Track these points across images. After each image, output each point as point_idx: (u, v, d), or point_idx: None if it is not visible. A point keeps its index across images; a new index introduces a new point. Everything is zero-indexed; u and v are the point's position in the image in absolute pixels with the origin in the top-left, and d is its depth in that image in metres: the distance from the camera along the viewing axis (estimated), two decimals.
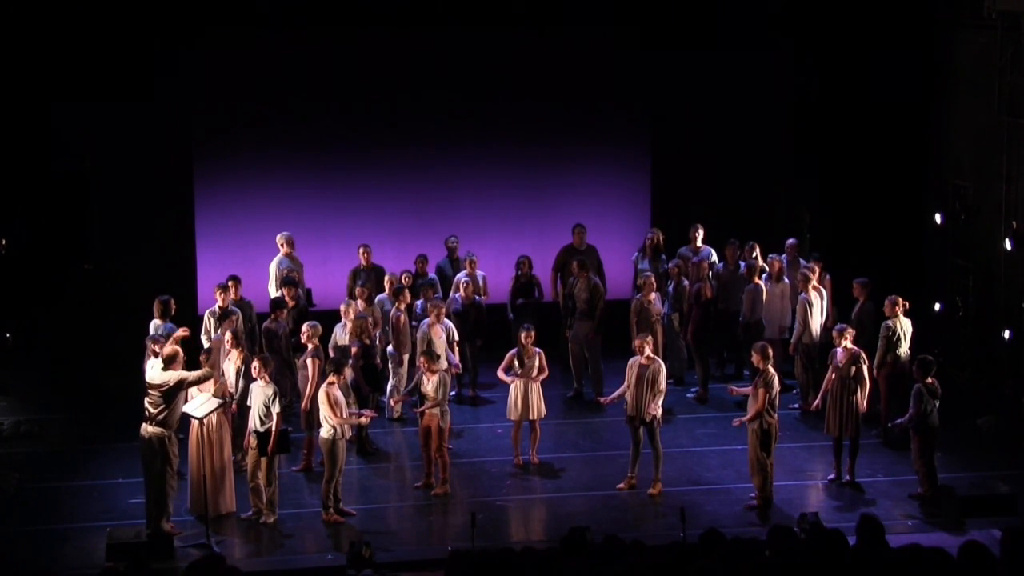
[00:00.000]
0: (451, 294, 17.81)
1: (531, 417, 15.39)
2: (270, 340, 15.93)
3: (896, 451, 15.57)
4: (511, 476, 15.32)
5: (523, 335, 15.50)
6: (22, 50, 18.39)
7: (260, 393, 13.87)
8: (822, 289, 17.18)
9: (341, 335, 16.09)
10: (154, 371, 13.57)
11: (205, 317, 16.15)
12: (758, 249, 18.07)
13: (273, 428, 13.76)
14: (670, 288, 17.99)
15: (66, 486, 15.04)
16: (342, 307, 16.35)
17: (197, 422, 13.78)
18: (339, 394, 14.04)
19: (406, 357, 16.78)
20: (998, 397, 17.37)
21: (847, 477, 14.94)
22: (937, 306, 19.07)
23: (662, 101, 20.19)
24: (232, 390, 14.48)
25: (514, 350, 15.49)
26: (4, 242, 18.28)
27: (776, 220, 20.08)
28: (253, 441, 13.87)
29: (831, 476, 15.09)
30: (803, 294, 17.01)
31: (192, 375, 13.70)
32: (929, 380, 14.30)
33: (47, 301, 18.89)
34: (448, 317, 16.73)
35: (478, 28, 19.53)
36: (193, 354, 14.67)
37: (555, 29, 19.75)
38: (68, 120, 18.67)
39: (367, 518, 14.20)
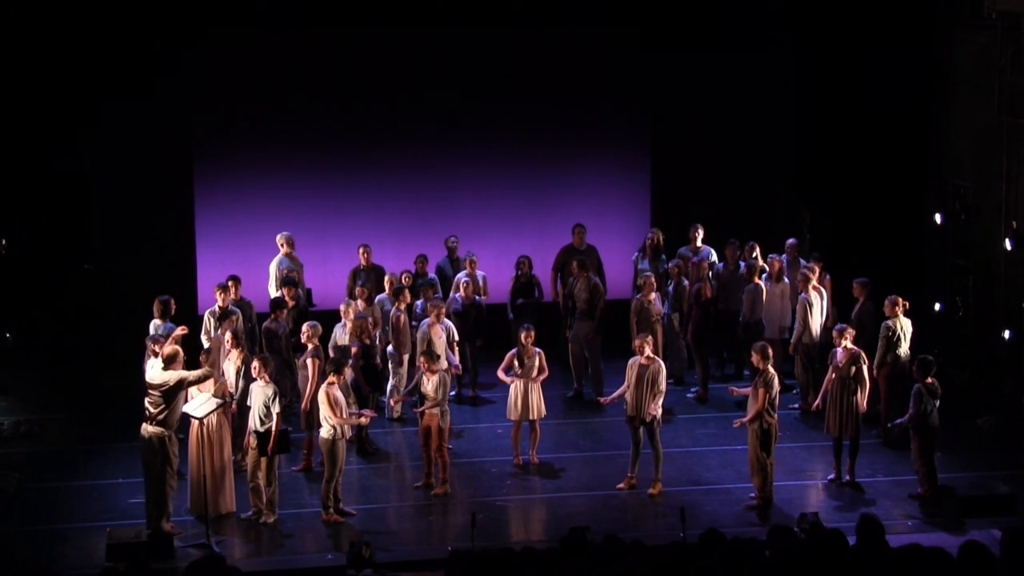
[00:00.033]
0: (451, 294, 17.81)
1: (531, 417, 15.39)
2: (270, 340, 15.93)
3: (896, 451, 15.57)
4: (511, 476, 15.32)
5: (523, 335, 15.50)
6: (22, 50, 18.38)
7: (260, 393, 13.87)
8: (822, 289, 17.18)
9: (341, 335, 16.09)
10: (154, 371, 13.57)
11: (205, 317, 16.15)
12: (758, 249, 18.07)
13: (273, 428, 13.76)
14: (670, 288, 17.99)
15: (66, 486, 15.04)
16: (342, 307, 16.35)
17: (197, 422, 13.78)
18: (339, 394, 14.04)
19: (406, 357, 16.78)
20: (998, 397, 17.37)
21: (847, 477, 14.94)
22: (937, 306, 19.08)
23: (662, 101, 20.19)
24: (232, 390, 14.48)
25: (514, 350, 15.49)
26: (4, 242, 18.28)
27: (776, 220, 20.07)
28: (253, 441, 13.87)
29: (831, 476, 15.09)
30: (803, 294, 17.01)
31: (192, 375, 13.70)
32: (929, 380, 14.30)
33: (47, 301, 18.89)
34: (448, 317, 16.73)
35: (478, 28, 19.53)
36: (193, 354, 14.67)
37: (555, 29, 19.74)
38: (68, 120, 18.67)
39: (367, 518, 14.20)
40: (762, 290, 17.52)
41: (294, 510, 14.32)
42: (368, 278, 17.57)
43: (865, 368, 14.92)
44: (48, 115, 18.60)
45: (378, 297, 17.11)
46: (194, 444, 13.87)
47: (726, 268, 18.18)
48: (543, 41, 19.83)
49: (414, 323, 16.79)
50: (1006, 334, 17.63)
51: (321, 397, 14.00)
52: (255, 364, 14.03)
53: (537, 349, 15.47)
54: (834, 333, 15.25)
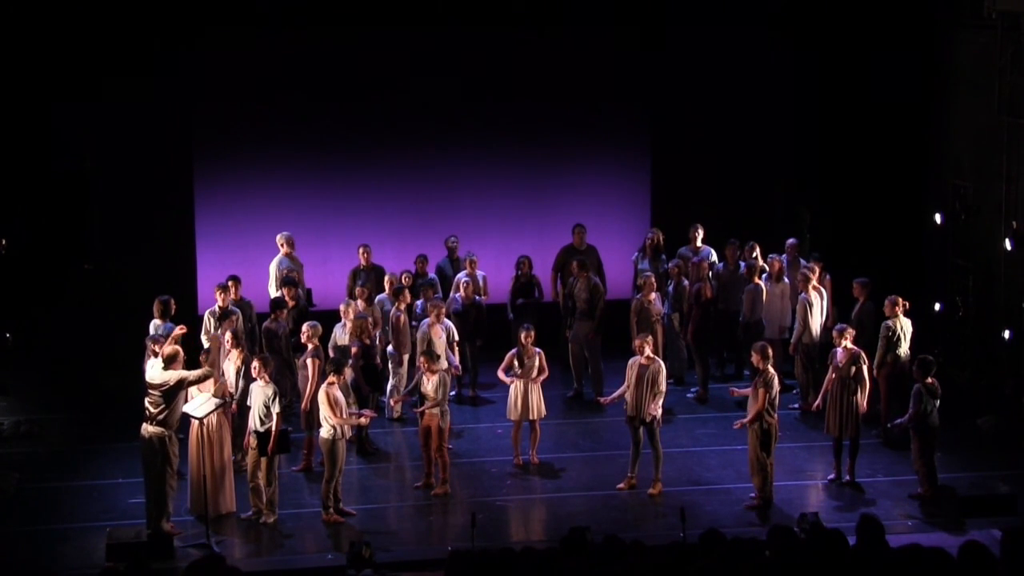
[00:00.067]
0: (451, 294, 17.81)
1: (531, 417, 15.39)
2: (270, 340, 15.93)
3: (896, 451, 15.57)
4: (511, 476, 15.32)
5: (523, 335, 15.49)
6: (22, 50, 18.38)
7: (260, 393, 13.87)
8: (822, 289, 17.18)
9: (341, 335, 16.09)
10: (154, 371, 13.57)
11: (205, 317, 16.14)
12: (758, 249, 18.06)
13: (273, 428, 13.76)
14: (670, 288, 17.99)
15: (66, 486, 15.04)
16: (342, 307, 16.35)
17: (197, 422, 13.78)
18: (339, 394, 14.04)
19: (406, 357, 16.78)
20: (998, 397, 17.37)
21: (847, 477, 14.94)
22: (937, 306, 19.07)
23: (662, 101, 20.19)
24: (232, 390, 14.47)
25: (514, 350, 15.49)
26: (4, 242, 18.27)
27: (776, 220, 20.07)
28: (253, 441, 13.87)
29: (831, 476, 15.09)
30: (803, 294, 17.01)
31: (192, 374, 13.70)
32: (929, 380, 14.30)
33: (47, 301, 18.88)
34: (448, 317, 16.73)
35: (478, 28, 19.52)
36: (193, 354, 14.67)
37: (555, 29, 19.74)
38: (68, 120, 18.68)
39: (367, 518, 14.20)
40: (762, 290, 17.52)
41: (294, 510, 14.31)
42: (368, 278, 17.57)
43: (865, 368, 14.92)
44: (48, 115, 18.59)
45: (378, 297, 17.11)
46: (194, 444, 13.87)
47: (726, 268, 18.18)
48: (543, 41, 19.82)
49: (414, 323, 16.79)
50: (1006, 334, 17.63)
51: (321, 397, 14.00)
52: (255, 364, 14.03)
53: (537, 349, 15.46)
54: (834, 333, 15.25)
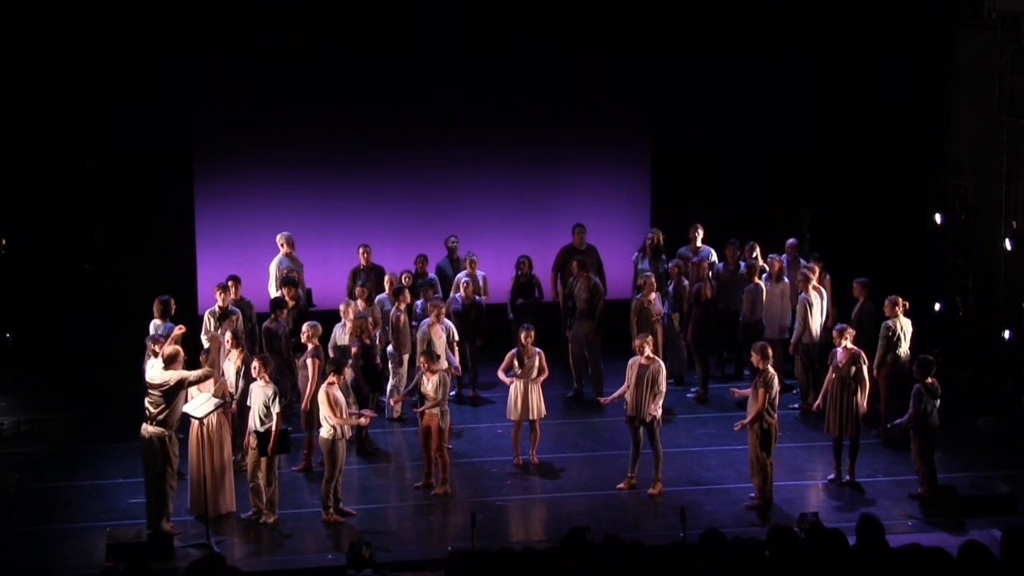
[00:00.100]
0: (451, 294, 17.81)
1: (531, 417, 15.39)
2: (270, 340, 15.93)
3: (896, 451, 15.57)
4: (511, 476, 15.32)
5: (523, 335, 15.49)
6: (22, 49, 18.38)
7: (260, 393, 13.87)
8: (822, 289, 17.18)
9: (341, 335, 16.08)
10: (154, 371, 13.56)
11: (205, 317, 16.13)
12: (758, 249, 18.06)
13: (273, 428, 13.76)
14: (670, 288, 17.99)
15: (66, 486, 15.04)
16: (342, 307, 16.35)
17: (197, 422, 13.77)
18: (339, 394, 14.03)
19: (406, 357, 16.78)
20: (998, 397, 17.37)
21: (847, 477, 14.94)
22: (937, 306, 19.07)
23: (662, 101, 20.19)
24: (232, 390, 14.47)
25: (514, 350, 15.49)
26: (4, 242, 18.28)
27: (776, 220, 20.06)
28: (253, 441, 13.87)
29: (831, 476, 15.09)
30: (803, 294, 17.01)
31: (192, 375, 13.70)
32: (929, 380, 14.29)
33: (47, 301, 18.89)
34: (448, 317, 16.73)
35: (478, 28, 19.52)
36: (193, 354, 14.67)
37: (555, 29, 19.74)
38: (68, 120, 18.67)
39: (367, 518, 14.20)
40: (762, 290, 17.52)
41: (294, 510, 14.31)
42: (368, 278, 17.56)
43: (865, 368, 14.92)
44: (48, 115, 18.60)
45: (378, 297, 17.11)
46: (194, 444, 13.87)
47: (726, 268, 18.18)
48: (543, 41, 19.82)
49: (414, 323, 16.79)
50: (1006, 334, 17.63)
51: (321, 397, 14.00)
52: (255, 364, 14.03)
53: (537, 349, 15.46)
54: (834, 333, 15.25)
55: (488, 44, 19.77)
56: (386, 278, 17.32)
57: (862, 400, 14.86)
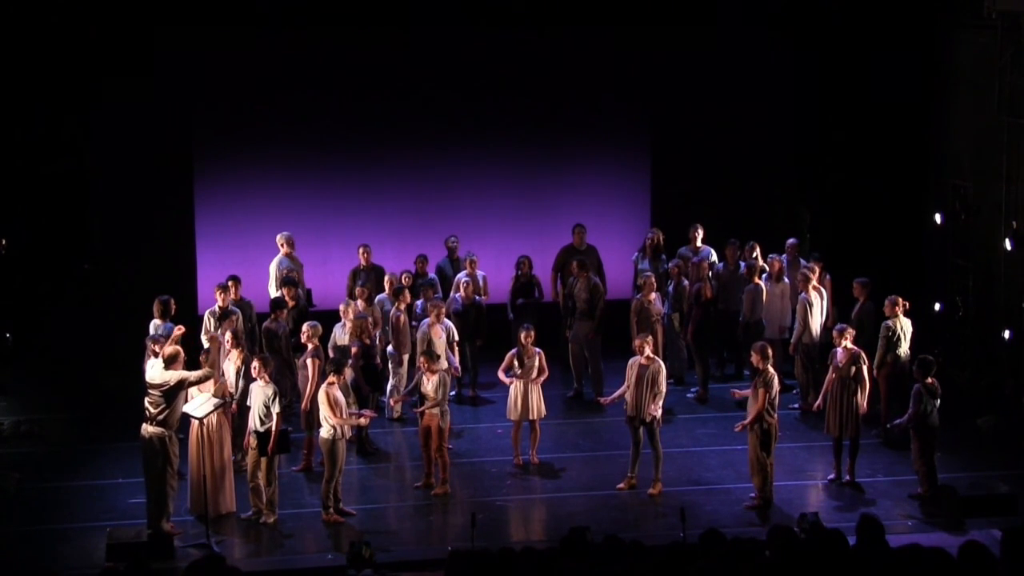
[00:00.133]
0: (451, 294, 17.81)
1: (531, 417, 15.39)
2: (270, 340, 15.93)
3: (896, 451, 15.57)
4: (511, 476, 15.32)
5: (523, 335, 15.49)
6: (22, 49, 18.38)
7: (260, 393, 13.87)
8: (822, 289, 17.18)
9: (341, 335, 16.08)
10: (154, 371, 13.57)
11: (205, 317, 16.13)
12: (758, 249, 18.06)
13: (273, 428, 13.76)
14: (670, 288, 17.99)
15: (66, 486, 15.04)
16: (342, 307, 16.35)
17: (197, 422, 13.77)
18: (339, 394, 14.03)
19: (406, 357, 16.78)
20: (998, 397, 17.38)
21: (847, 477, 14.94)
22: (937, 306, 19.08)
23: (662, 101, 20.19)
24: (232, 390, 14.47)
25: (514, 350, 15.49)
26: (4, 242, 18.28)
27: (776, 220, 20.07)
28: (253, 441, 13.87)
29: (831, 476, 15.09)
30: (803, 294, 17.01)
31: (193, 375, 13.70)
32: (929, 380, 14.29)
33: (47, 301, 18.89)
34: (448, 317, 16.73)
35: (478, 28, 19.52)
36: (193, 354, 14.67)
37: (555, 29, 19.74)
38: (68, 120, 18.67)
39: (367, 518, 14.20)
40: (762, 290, 17.52)
41: (294, 510, 14.31)
42: (368, 278, 17.56)
43: (865, 368, 14.91)
44: (48, 115, 18.60)
45: (378, 297, 17.11)
46: (194, 444, 13.86)
47: (726, 268, 18.18)
48: (543, 41, 19.82)
49: (414, 323, 16.79)
50: (1006, 334, 17.63)
51: (321, 397, 14.00)
52: (255, 364, 14.02)
53: (537, 349, 15.46)
54: (834, 333, 15.25)
55: (488, 44, 19.78)
56: (386, 278, 17.32)
57: (862, 400, 14.86)
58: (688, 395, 17.77)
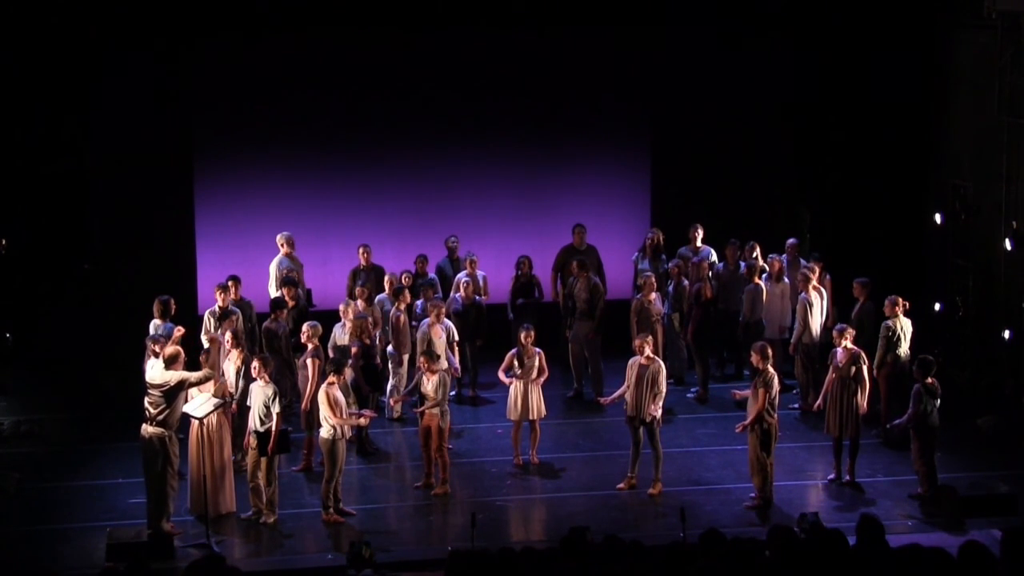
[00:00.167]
0: (451, 294, 17.81)
1: (531, 417, 15.39)
2: (270, 340, 15.93)
3: (896, 451, 15.56)
4: (511, 476, 15.32)
5: (523, 335, 15.49)
6: (22, 49, 18.38)
7: (260, 393, 13.86)
8: (822, 289, 17.18)
9: (341, 335, 16.08)
10: (155, 371, 13.56)
11: (205, 317, 16.13)
12: (758, 249, 18.06)
13: (273, 428, 13.76)
14: (670, 288, 17.99)
15: (66, 486, 15.04)
16: (342, 307, 16.35)
17: (197, 422, 13.77)
18: (339, 394, 14.03)
19: (406, 357, 16.78)
20: (998, 397, 17.38)
21: (847, 477, 14.93)
22: (937, 306, 19.08)
23: (662, 101, 20.19)
24: (232, 390, 14.47)
25: (514, 350, 15.48)
26: (4, 242, 18.28)
27: (776, 220, 20.07)
28: (253, 441, 13.87)
29: (831, 476, 15.09)
30: (803, 294, 17.01)
31: (194, 376, 13.69)
32: (929, 380, 14.29)
33: (47, 301, 18.89)
34: (448, 317, 16.73)
35: (478, 28, 19.52)
36: (193, 354, 14.67)
37: (555, 29, 19.74)
38: (68, 120, 18.67)
39: (367, 518, 14.20)
40: (762, 290, 17.52)
41: (294, 510, 14.31)
42: (368, 278, 17.56)
43: (865, 368, 14.91)
44: (48, 115, 18.60)
45: (378, 297, 17.11)
46: (194, 444, 13.86)
47: (726, 268, 18.18)
48: (543, 41, 19.82)
49: (414, 323, 16.79)
50: (1006, 334, 17.63)
51: (321, 397, 14.00)
52: (255, 364, 14.02)
53: (537, 349, 15.46)
54: (834, 333, 15.25)
55: (488, 44, 19.78)
56: (386, 278, 17.32)
57: (862, 400, 14.85)
58: (688, 395, 17.77)
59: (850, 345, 14.92)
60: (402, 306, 16.80)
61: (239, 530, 13.91)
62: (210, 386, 14.08)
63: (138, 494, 14.16)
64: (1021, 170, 17.73)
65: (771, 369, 14.27)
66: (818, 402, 15.43)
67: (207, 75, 19.20)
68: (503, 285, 18.64)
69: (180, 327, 14.72)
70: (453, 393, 16.73)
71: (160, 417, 13.38)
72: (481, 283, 18.08)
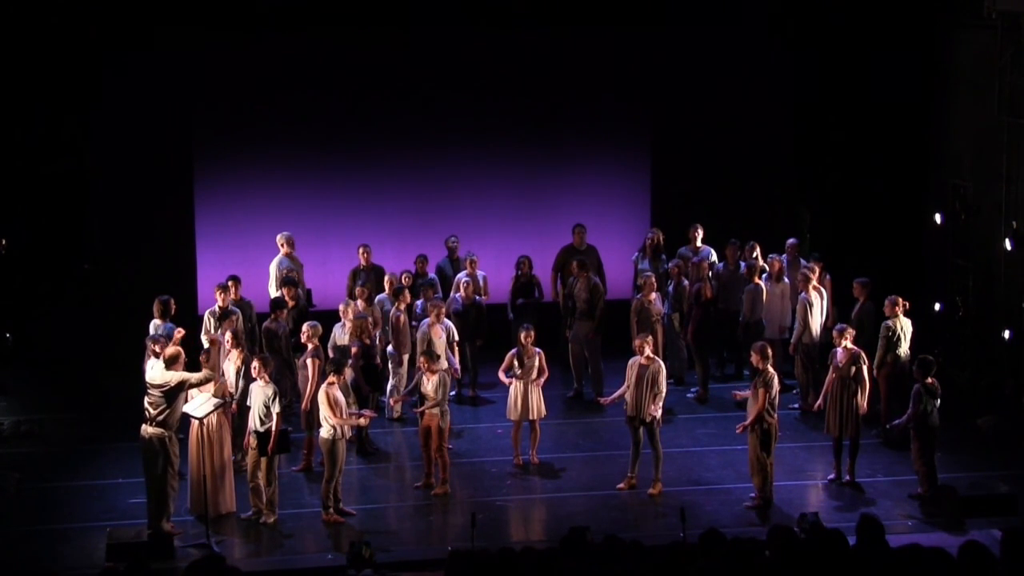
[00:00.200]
0: (451, 294, 17.81)
1: (531, 417, 15.39)
2: (270, 340, 15.93)
3: (896, 451, 15.56)
4: (511, 476, 15.32)
5: (523, 335, 15.49)
6: (22, 49, 18.38)
7: (260, 393, 13.86)
8: (822, 289, 17.18)
9: (341, 335, 16.08)
10: (155, 371, 13.56)
11: (205, 317, 16.14)
12: (758, 249, 18.06)
13: (273, 428, 13.76)
14: (670, 288, 17.99)
15: (66, 486, 15.04)
16: (342, 307, 16.35)
17: (197, 422, 13.78)
18: (339, 394, 14.03)
19: (406, 357, 16.78)
20: (998, 397, 17.38)
21: (847, 477, 14.93)
22: (937, 306, 19.08)
23: (662, 101, 20.19)
24: (232, 390, 14.47)
25: (514, 350, 15.48)
26: (4, 242, 18.28)
27: (776, 220, 20.06)
28: (253, 441, 13.87)
29: (831, 476, 15.09)
30: (803, 294, 17.01)
31: (194, 377, 13.68)
32: (929, 380, 14.29)
33: (47, 301, 18.89)
34: (448, 317, 16.73)
35: (478, 28, 19.53)
36: (193, 354, 14.67)
37: (555, 29, 19.74)
38: (68, 120, 18.67)
39: (367, 518, 14.20)
40: (762, 290, 17.52)
41: (294, 510, 14.31)
42: (368, 278, 17.57)
43: (865, 368, 14.91)
44: (48, 115, 18.60)
45: (378, 297, 17.11)
46: (194, 444, 13.87)
47: (726, 268, 18.18)
48: (543, 41, 19.82)
49: (414, 323, 16.79)
50: (1006, 334, 17.63)
51: (321, 397, 14.00)
52: (255, 364, 14.02)
53: (537, 349, 15.46)
54: (834, 333, 15.25)
55: (488, 44, 19.78)
56: (386, 278, 17.32)
57: (862, 400, 14.86)
58: (688, 395, 17.76)
59: (850, 345, 14.92)
60: (402, 306, 16.80)
61: (239, 530, 13.91)
62: (210, 386, 14.07)
63: (138, 494, 14.16)
64: (1021, 170, 17.73)
65: (771, 369, 14.27)
66: (818, 402, 15.43)
67: (207, 75, 19.19)
68: (503, 285, 18.64)
69: (180, 328, 14.71)
70: (453, 393, 16.73)
71: (160, 417, 13.38)
72: (481, 283, 18.08)
